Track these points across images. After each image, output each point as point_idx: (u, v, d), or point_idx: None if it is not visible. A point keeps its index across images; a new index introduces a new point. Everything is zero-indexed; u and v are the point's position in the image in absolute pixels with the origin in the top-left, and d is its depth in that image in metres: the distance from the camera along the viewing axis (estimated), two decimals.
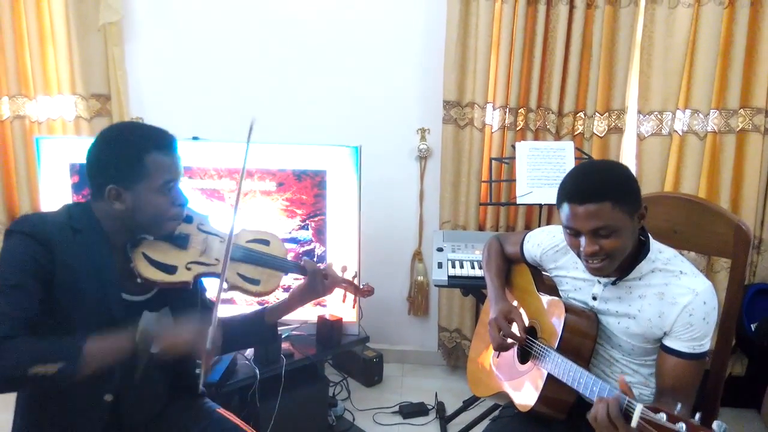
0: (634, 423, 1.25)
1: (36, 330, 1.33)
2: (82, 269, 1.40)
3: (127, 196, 1.43)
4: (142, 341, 1.35)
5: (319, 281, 1.66)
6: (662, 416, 1.21)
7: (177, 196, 1.49)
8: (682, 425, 1.18)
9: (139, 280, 1.46)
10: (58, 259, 1.37)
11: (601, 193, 1.44)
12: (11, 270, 1.33)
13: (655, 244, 1.56)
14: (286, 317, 2.41)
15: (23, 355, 1.27)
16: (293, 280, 2.38)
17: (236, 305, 2.41)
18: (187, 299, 1.59)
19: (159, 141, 1.45)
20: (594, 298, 1.63)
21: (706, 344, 1.50)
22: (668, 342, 1.51)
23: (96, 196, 1.46)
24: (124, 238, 1.49)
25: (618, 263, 1.52)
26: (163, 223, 1.49)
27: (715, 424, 1.16)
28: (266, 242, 1.66)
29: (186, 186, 2.38)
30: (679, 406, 1.23)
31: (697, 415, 1.19)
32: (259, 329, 1.72)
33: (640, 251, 1.54)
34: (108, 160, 1.44)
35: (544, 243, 1.77)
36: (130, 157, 1.42)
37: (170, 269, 1.49)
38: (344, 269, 1.74)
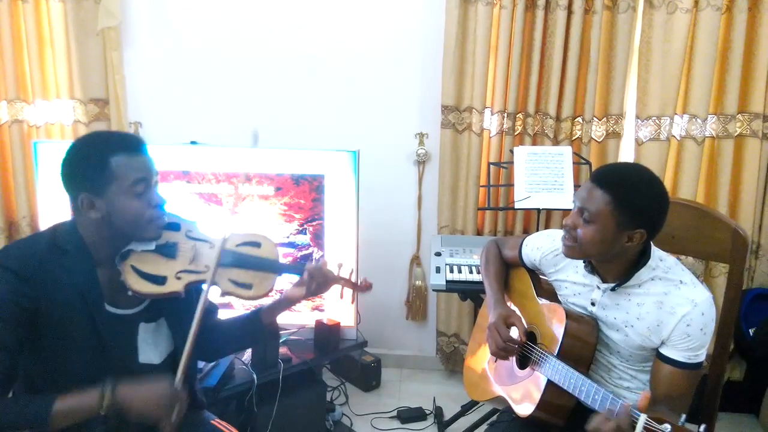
0: None
1: (17, 370, 1.34)
2: (67, 292, 1.39)
3: (100, 204, 1.41)
4: (109, 404, 1.32)
5: (316, 280, 1.61)
6: (666, 427, 1.21)
7: (152, 197, 1.45)
8: None
9: (130, 293, 1.45)
10: (41, 291, 1.36)
11: (611, 186, 1.46)
12: None
13: (656, 252, 1.56)
14: (284, 322, 2.41)
15: None
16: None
17: (233, 309, 2.40)
18: (182, 308, 1.55)
19: (124, 143, 1.43)
20: (593, 304, 1.63)
21: (702, 354, 1.50)
22: (665, 351, 1.51)
23: (74, 209, 1.45)
24: (109, 250, 1.47)
25: (584, 256, 1.55)
26: (141, 227, 1.45)
27: None
28: (257, 244, 1.62)
29: (183, 191, 2.39)
30: (683, 417, 1.23)
31: (702, 426, 1.19)
32: (256, 329, 1.68)
33: (641, 259, 1.54)
34: (75, 169, 1.42)
35: (544, 247, 1.77)
36: (95, 161, 1.39)
37: (160, 280, 1.47)
38: (340, 266, 1.68)
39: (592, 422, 1.32)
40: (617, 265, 1.55)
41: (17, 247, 1.47)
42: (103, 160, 1.39)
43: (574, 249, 1.54)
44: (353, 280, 1.68)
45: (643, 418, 1.25)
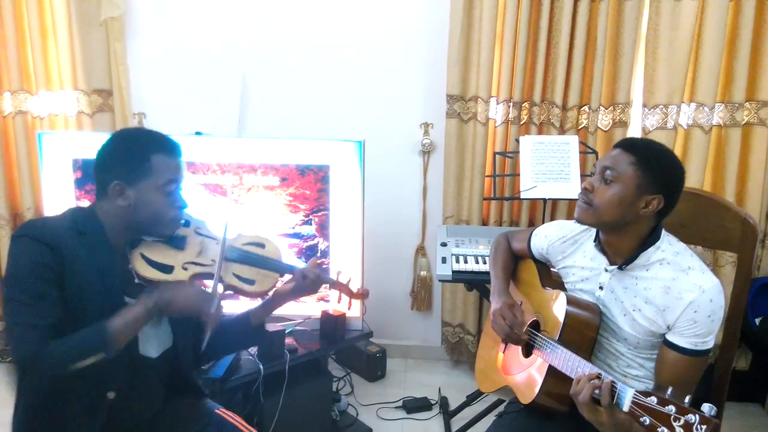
0: (625, 407, 1.26)
1: (59, 330, 1.36)
2: (87, 271, 1.42)
3: (130, 193, 1.48)
4: (155, 305, 1.42)
5: (307, 277, 1.67)
6: (653, 399, 1.22)
7: (177, 199, 1.54)
8: (672, 408, 1.19)
9: (136, 281, 1.50)
10: (67, 262, 1.39)
11: (637, 148, 1.50)
12: (29, 280, 1.36)
13: (666, 236, 1.56)
14: (290, 313, 2.41)
15: (62, 357, 1.32)
16: None
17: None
18: None
19: (166, 144, 1.53)
20: (600, 288, 1.62)
21: (709, 342, 1.49)
22: (671, 337, 1.50)
23: (100, 194, 1.51)
24: (125, 239, 1.52)
25: (598, 220, 1.54)
26: (161, 224, 1.53)
27: (704, 406, 1.16)
28: (262, 245, 1.71)
29: (188, 182, 2.38)
30: (670, 389, 1.24)
31: (706, 406, 1.19)
32: (244, 331, 1.72)
33: (650, 238, 1.53)
34: (116, 158, 1.50)
35: (552, 234, 1.77)
36: (137, 154, 1.49)
37: (167, 269, 1.53)
38: (339, 273, 1.76)
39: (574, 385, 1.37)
40: (627, 239, 1.54)
41: (40, 221, 1.53)
42: (144, 154, 1.49)
43: (588, 212, 1.53)
44: (349, 286, 1.76)
45: (630, 392, 1.26)
